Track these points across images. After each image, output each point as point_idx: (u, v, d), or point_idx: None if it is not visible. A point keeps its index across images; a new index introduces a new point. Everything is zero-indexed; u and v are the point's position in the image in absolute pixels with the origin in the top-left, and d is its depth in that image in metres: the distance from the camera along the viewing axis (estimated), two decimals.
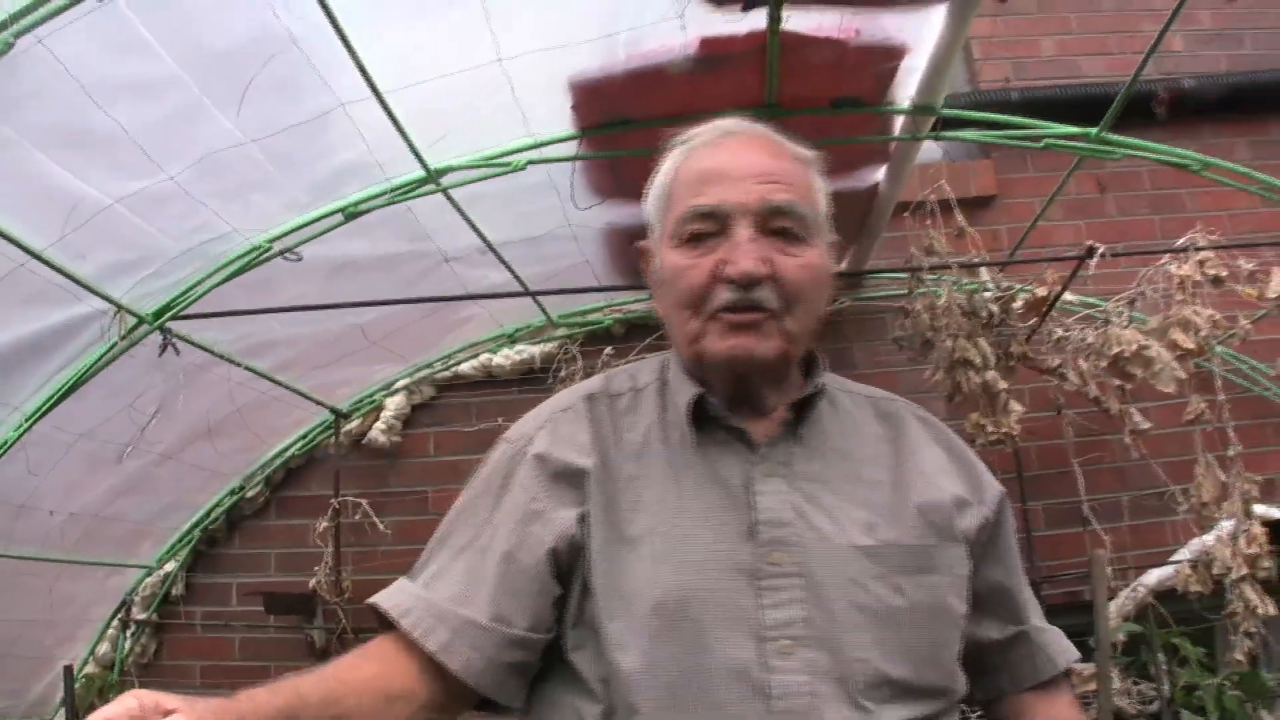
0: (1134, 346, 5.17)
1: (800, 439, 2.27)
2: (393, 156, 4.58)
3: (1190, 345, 5.13)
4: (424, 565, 2.35)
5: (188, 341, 5.18)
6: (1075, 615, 5.01)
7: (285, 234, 4.84)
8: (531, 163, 4.72)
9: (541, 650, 2.21)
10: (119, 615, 6.84)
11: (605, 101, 4.52)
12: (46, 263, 4.24)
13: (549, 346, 7.06)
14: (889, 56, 4.42)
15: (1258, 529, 5.13)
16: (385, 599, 2.29)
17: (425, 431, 7.25)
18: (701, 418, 2.28)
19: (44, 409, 4.87)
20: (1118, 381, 5.42)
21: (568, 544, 2.20)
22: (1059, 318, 5.99)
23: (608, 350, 6.55)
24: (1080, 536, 6.31)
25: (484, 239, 5.35)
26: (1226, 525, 5.24)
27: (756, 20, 4.07)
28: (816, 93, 4.55)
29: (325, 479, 7.08)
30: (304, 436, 7.13)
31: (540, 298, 6.16)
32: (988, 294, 5.70)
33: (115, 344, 4.83)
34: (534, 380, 7.00)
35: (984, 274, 5.86)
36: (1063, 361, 5.82)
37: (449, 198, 4.88)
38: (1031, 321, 5.88)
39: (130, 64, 3.69)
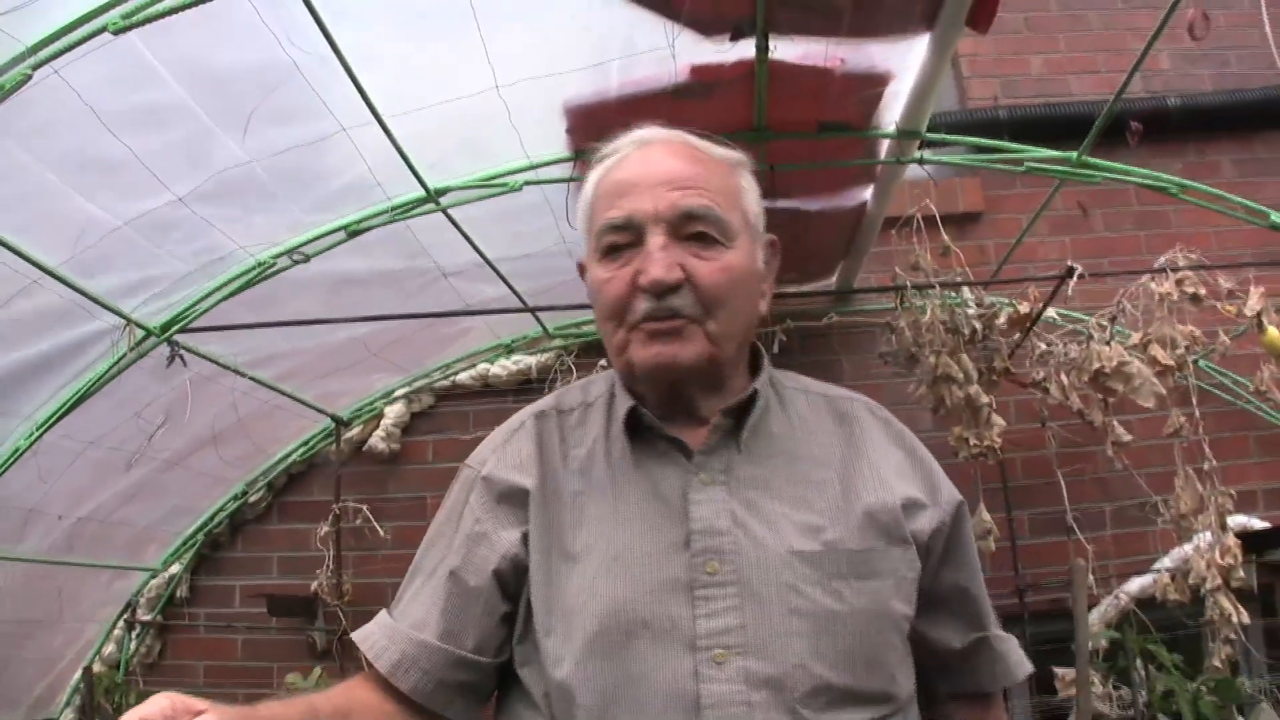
0: (1114, 362, 5.26)
1: (742, 444, 2.25)
2: (393, 177, 4.70)
3: (1169, 361, 5.21)
4: (399, 596, 2.39)
5: (194, 353, 5.31)
6: (1058, 622, 5.11)
7: (288, 251, 4.97)
8: (528, 184, 4.85)
9: (492, 671, 2.26)
10: (124, 616, 6.93)
11: (598, 125, 4.51)
12: (59, 279, 4.37)
13: (545, 357, 7.17)
14: (874, 83, 4.53)
15: (1231, 541, 5.22)
16: (358, 631, 2.37)
17: (424, 439, 7.36)
18: (641, 429, 2.29)
19: (54, 418, 4.99)
20: (1100, 395, 5.52)
21: (510, 564, 2.24)
22: (1043, 332, 6.06)
23: (602, 362, 6.54)
24: (1064, 545, 6.35)
25: (482, 255, 5.47)
26: (1205, 536, 5.32)
27: (745, 50, 4.19)
28: (804, 117, 4.65)
29: (326, 485, 7.19)
30: (305, 443, 7.24)
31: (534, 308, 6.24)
32: (971, 311, 5.79)
33: (124, 355, 4.95)
34: (530, 390, 7.04)
35: (966, 292, 5.95)
36: (1046, 375, 5.89)
37: (448, 217, 5.01)
38: (1015, 337, 5.97)
39: (141, 92, 3.83)
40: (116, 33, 3.23)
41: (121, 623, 6.93)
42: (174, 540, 7.04)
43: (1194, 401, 5.45)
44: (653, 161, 2.26)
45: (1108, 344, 5.43)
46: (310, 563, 6.95)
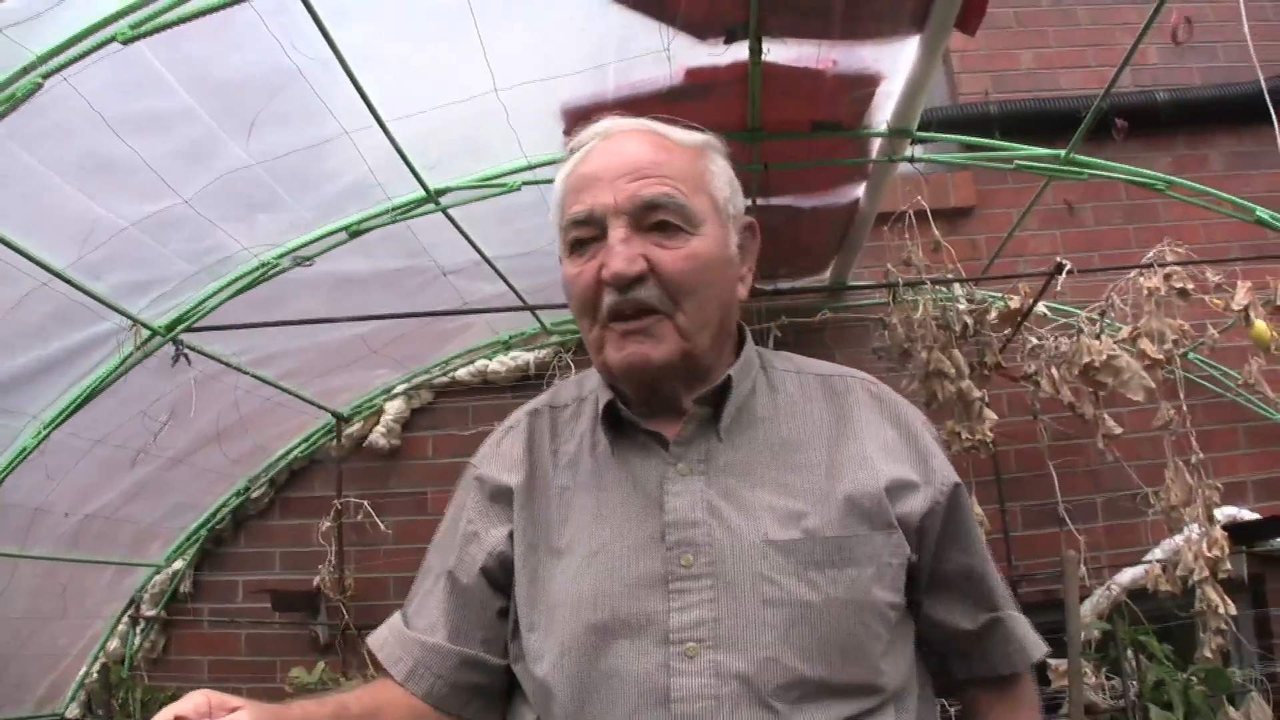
0: (1104, 356, 5.32)
1: (722, 431, 2.21)
2: (393, 178, 4.78)
3: (1158, 355, 5.26)
4: (411, 595, 2.44)
5: (198, 352, 5.36)
6: (1050, 613, 5.14)
7: (291, 251, 5.05)
8: (526, 184, 4.92)
9: (503, 670, 2.29)
10: (129, 612, 6.99)
11: None
12: (67, 280, 4.44)
13: (543, 353, 7.23)
14: (865, 84, 4.60)
15: (1219, 533, 5.28)
16: (373, 636, 2.43)
17: (424, 435, 7.42)
18: (621, 422, 2.28)
19: (61, 418, 5.05)
20: (1090, 388, 5.58)
21: (498, 561, 2.29)
22: (1033, 326, 6.11)
23: None
24: (1056, 536, 6.44)
25: (482, 254, 5.54)
26: (1195, 528, 5.38)
27: (739, 52, 4.24)
28: (797, 117, 4.71)
29: (327, 480, 7.25)
30: (307, 439, 7.30)
31: (532, 304, 6.28)
32: (962, 306, 5.85)
33: (130, 355, 5.02)
34: (529, 386, 7.13)
35: (958, 288, 6.00)
36: (1037, 369, 5.93)
37: (448, 216, 5.08)
38: (1006, 332, 6.03)
39: (148, 98, 3.90)
40: (125, 43, 3.29)
41: (126, 618, 6.97)
42: (178, 536, 7.09)
43: (1182, 394, 5.50)
44: (612, 153, 2.24)
45: (1097, 338, 5.48)
46: (312, 558, 7.01)
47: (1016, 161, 5.15)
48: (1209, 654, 5.36)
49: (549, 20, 4.19)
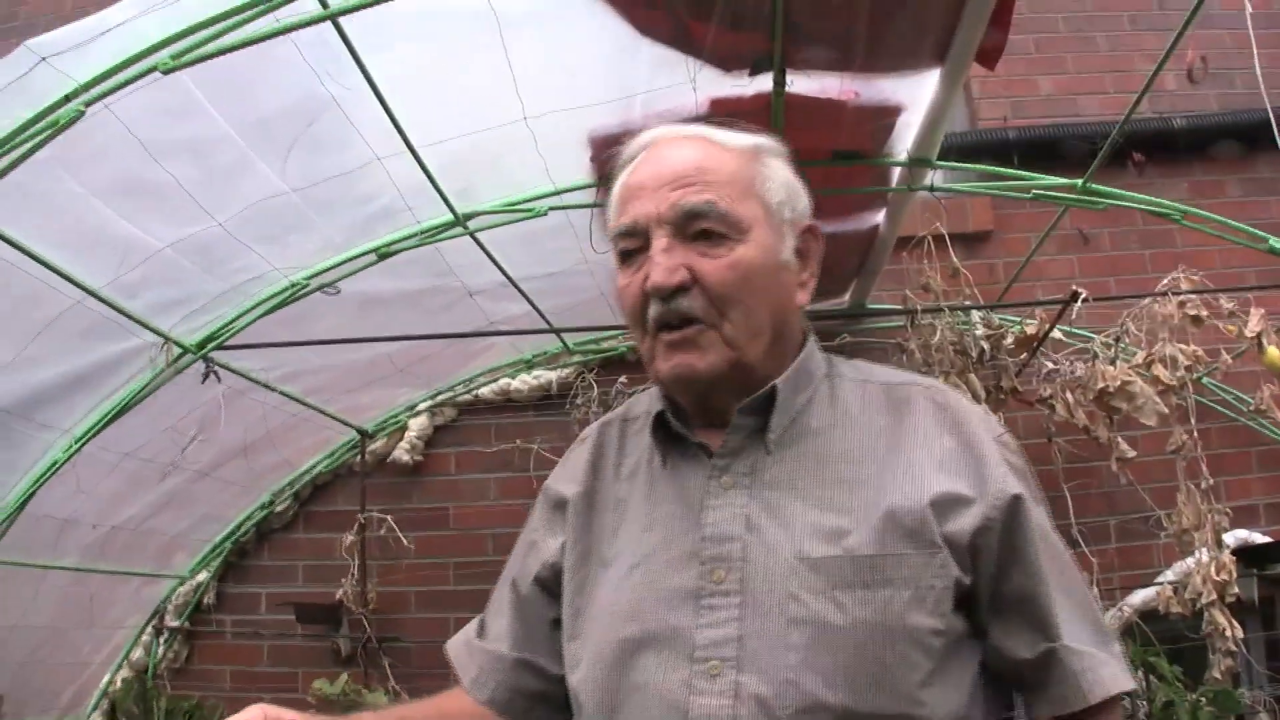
0: (1118, 381, 5.37)
1: (770, 443, 2.11)
2: (422, 202, 4.85)
3: (1171, 380, 5.31)
4: (489, 603, 2.48)
5: (227, 369, 5.46)
6: None
7: (321, 272, 5.13)
8: (553, 209, 4.99)
9: (563, 680, 2.23)
10: (152, 623, 7.08)
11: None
12: (102, 300, 4.53)
13: (565, 372, 7.27)
14: (886, 115, 4.67)
15: (1227, 557, 5.31)
16: (450, 642, 2.49)
17: (447, 451, 7.49)
18: (674, 433, 2.21)
19: (93, 432, 5.13)
20: (1104, 413, 5.63)
21: (551, 571, 2.29)
22: (1049, 351, 6.16)
23: (621, 379, 6.76)
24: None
25: (508, 277, 5.61)
26: (1204, 552, 5.41)
27: (763, 84, 4.32)
28: (819, 146, 4.76)
29: (351, 495, 7.30)
30: (331, 455, 7.37)
31: (556, 324, 6.34)
32: (979, 332, 5.91)
33: (161, 371, 5.10)
34: (550, 404, 7.24)
35: (975, 314, 6.06)
36: (1052, 393, 5.96)
37: (476, 240, 5.16)
38: (1022, 356, 6.08)
39: (186, 125, 4.01)
40: (166, 72, 3.34)
41: (150, 629, 7.06)
42: (202, 548, 7.18)
43: (1193, 420, 5.51)
44: (658, 161, 2.17)
45: (1112, 363, 5.53)
46: (335, 571, 7.07)
47: (1034, 191, 5.20)
48: (1218, 675, 5.39)
49: (580, 53, 4.26)
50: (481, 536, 7.22)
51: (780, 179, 2.21)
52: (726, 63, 4.25)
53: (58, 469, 5.11)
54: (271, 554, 7.44)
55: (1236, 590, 5.30)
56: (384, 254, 5.06)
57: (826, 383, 2.24)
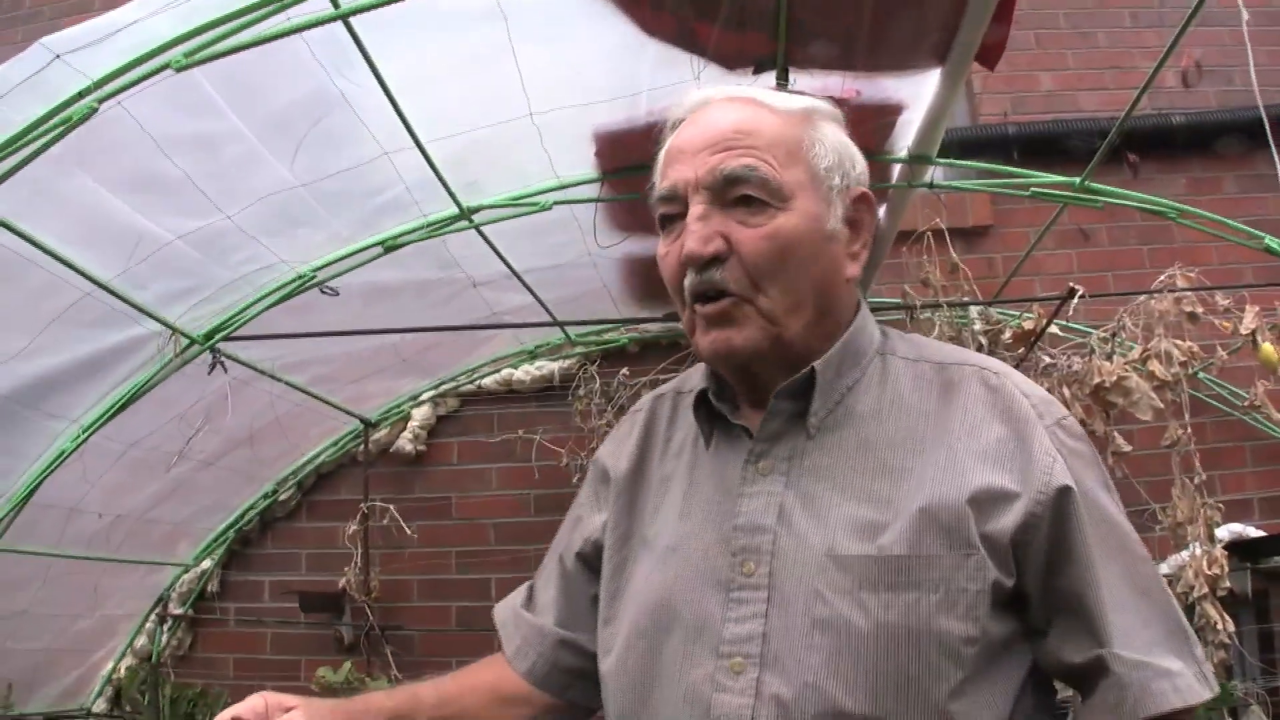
0: (1114, 377, 5.40)
1: (812, 428, 2.01)
2: (429, 196, 4.90)
3: (1167, 376, 5.35)
4: (540, 569, 2.45)
5: (234, 360, 5.49)
6: None
7: (328, 264, 5.17)
8: (557, 203, 5.03)
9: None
10: (156, 610, 7.14)
11: (626, 149, 4.77)
12: (111, 291, 4.59)
13: (568, 363, 7.31)
14: (888, 113, 4.72)
15: (1219, 552, 5.35)
16: (497, 608, 2.47)
17: (449, 441, 7.54)
18: (717, 413, 2.12)
19: (100, 422, 5.18)
20: (1100, 407, 5.67)
21: (593, 547, 2.26)
22: (1047, 346, 6.19)
23: (623, 371, 6.81)
24: None
25: (512, 270, 5.66)
26: (1197, 546, 5.46)
27: (766, 82, 4.32)
28: None
29: (354, 484, 7.36)
30: (335, 444, 7.42)
31: (559, 315, 6.37)
32: (977, 327, 5.96)
33: (169, 362, 5.13)
34: (552, 395, 7.29)
35: (973, 310, 6.10)
36: (1050, 387, 5.98)
37: (481, 233, 5.20)
38: (1019, 351, 6.12)
39: (198, 121, 4.06)
40: (179, 70, 3.38)
41: (154, 616, 7.12)
42: (206, 537, 7.23)
43: (1187, 415, 5.52)
44: (701, 124, 2.06)
45: (1109, 359, 5.58)
46: (338, 560, 7.11)
47: (1033, 188, 5.24)
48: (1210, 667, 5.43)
49: (586, 52, 4.29)
50: (483, 526, 7.29)
51: (831, 143, 2.09)
52: (730, 61, 4.28)
53: (65, 458, 5.16)
54: (275, 542, 7.49)
55: (1228, 584, 5.33)
56: (390, 246, 5.10)
57: (878, 360, 2.12)
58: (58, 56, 3.37)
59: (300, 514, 7.52)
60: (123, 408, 5.20)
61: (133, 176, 4.20)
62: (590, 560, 2.28)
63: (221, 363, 5.29)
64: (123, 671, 6.93)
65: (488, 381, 7.45)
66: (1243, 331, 5.46)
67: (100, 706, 6.83)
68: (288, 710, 1.97)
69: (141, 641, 7.06)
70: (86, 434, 5.18)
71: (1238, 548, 6.21)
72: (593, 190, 5.09)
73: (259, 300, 5.22)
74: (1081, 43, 7.99)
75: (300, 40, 3.62)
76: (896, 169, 5.14)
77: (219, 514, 7.20)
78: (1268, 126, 4.80)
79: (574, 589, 2.33)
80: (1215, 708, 5.59)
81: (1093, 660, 1.85)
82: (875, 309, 6.73)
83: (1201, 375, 6.59)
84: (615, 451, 2.37)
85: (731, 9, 3.97)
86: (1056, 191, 5.28)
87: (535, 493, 7.21)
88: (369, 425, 7.29)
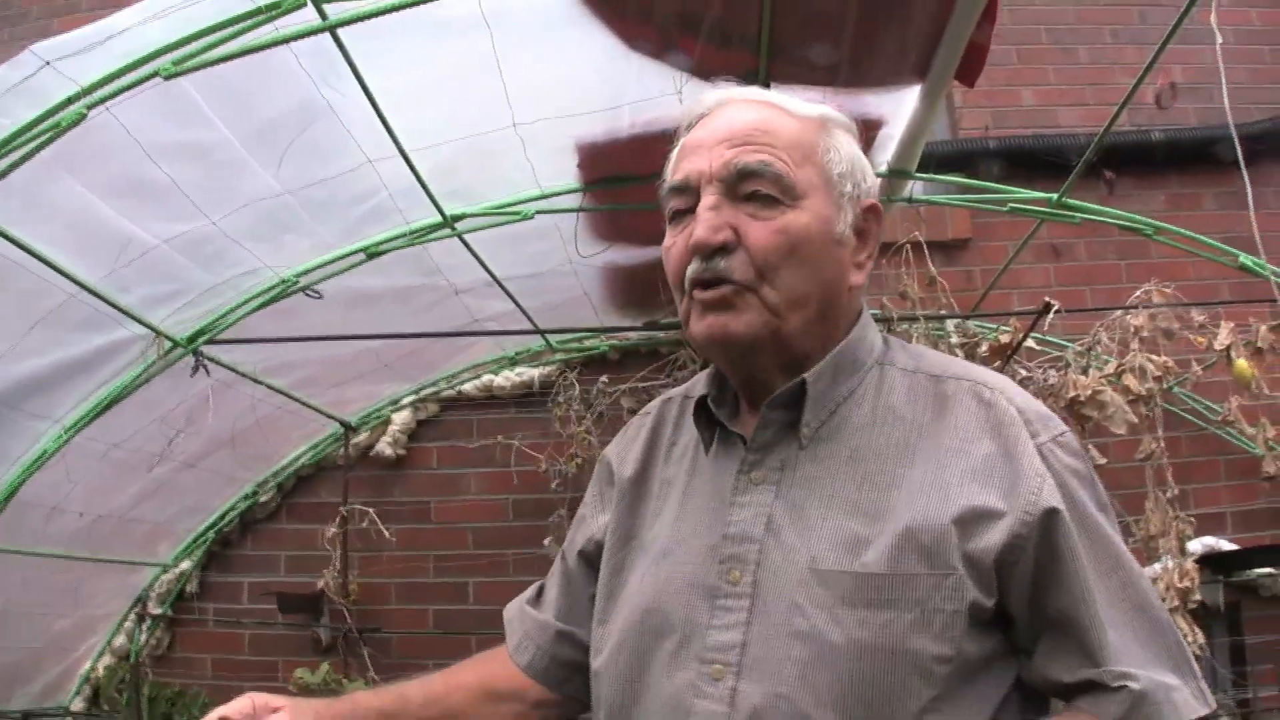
0: (1089, 391, 5.43)
1: (804, 440, 2.02)
2: (412, 203, 4.93)
3: (1141, 391, 5.40)
4: (551, 567, 2.50)
5: (217, 363, 5.51)
6: None
7: (311, 269, 5.20)
8: (539, 212, 5.07)
9: None
10: (135, 610, 7.14)
11: (608, 160, 4.85)
12: (96, 295, 4.61)
13: (548, 370, 7.35)
14: (868, 128, 4.74)
15: (1189, 565, 5.39)
16: (509, 605, 2.51)
17: (429, 446, 7.57)
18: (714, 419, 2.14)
19: (83, 423, 5.19)
20: (1076, 421, 5.72)
21: (595, 546, 2.29)
22: (1023, 359, 6.25)
23: (603, 378, 6.85)
24: None
25: (494, 278, 5.69)
26: (1168, 559, 5.51)
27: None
28: None
29: (334, 487, 7.38)
30: (315, 447, 7.44)
31: (540, 322, 6.40)
32: (953, 340, 6.01)
33: (152, 364, 5.17)
34: (532, 401, 7.31)
35: (949, 324, 6.15)
36: None
37: (463, 241, 5.24)
38: (996, 364, 6.16)
39: (186, 129, 4.09)
40: (168, 78, 3.41)
41: (133, 615, 7.12)
42: (186, 537, 7.25)
43: (1161, 429, 5.53)
44: (719, 120, 2.08)
45: (1084, 372, 5.62)
46: (317, 562, 7.14)
47: (1010, 204, 5.29)
48: None
49: (570, 65, 4.33)
50: (462, 530, 7.33)
51: (846, 152, 2.11)
52: (713, 75, 4.27)
53: (48, 458, 5.17)
54: (254, 544, 7.51)
55: (1199, 597, 5.37)
56: (373, 253, 5.13)
57: (876, 370, 2.12)
58: (47, 63, 3.41)
59: (280, 516, 7.54)
60: (106, 409, 5.21)
61: (120, 182, 4.23)
62: (592, 558, 2.31)
63: (204, 366, 5.30)
64: (101, 670, 6.93)
65: (468, 387, 7.48)
66: (1217, 347, 5.50)
67: (78, 705, 6.84)
68: (275, 711, 2.01)
69: (120, 641, 7.06)
70: (69, 434, 5.18)
71: (1210, 561, 6.28)
72: (574, 200, 5.14)
73: (242, 304, 5.25)
74: (1063, 58, 8.04)
75: (288, 50, 3.66)
76: (876, 183, 5.17)
77: (199, 515, 7.22)
78: (1238, 147, 4.80)
79: (575, 585, 2.37)
80: None
81: (1086, 678, 1.84)
82: None
83: (1177, 390, 6.64)
84: (622, 453, 2.39)
85: (715, 26, 4.02)
86: (1034, 208, 5.33)
87: (514, 498, 7.24)
88: (349, 429, 7.31)
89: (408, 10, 3.40)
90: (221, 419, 6.06)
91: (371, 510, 7.13)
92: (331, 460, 7.50)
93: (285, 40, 3.48)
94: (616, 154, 4.75)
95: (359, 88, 3.95)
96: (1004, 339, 5.95)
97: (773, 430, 2.05)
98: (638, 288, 6.09)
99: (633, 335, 7.10)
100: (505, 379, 7.40)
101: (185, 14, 3.40)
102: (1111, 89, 7.36)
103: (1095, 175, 5.68)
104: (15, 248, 4.13)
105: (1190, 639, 5.25)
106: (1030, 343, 6.25)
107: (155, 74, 3.42)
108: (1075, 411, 5.52)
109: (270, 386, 6.20)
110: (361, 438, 7.44)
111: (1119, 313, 5.63)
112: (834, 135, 2.11)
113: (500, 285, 5.79)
